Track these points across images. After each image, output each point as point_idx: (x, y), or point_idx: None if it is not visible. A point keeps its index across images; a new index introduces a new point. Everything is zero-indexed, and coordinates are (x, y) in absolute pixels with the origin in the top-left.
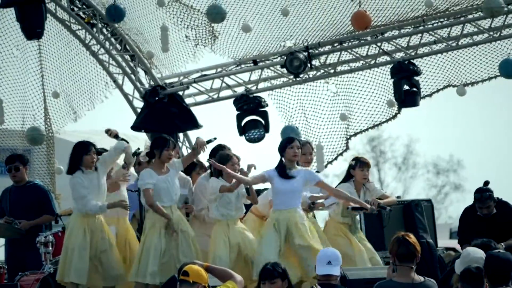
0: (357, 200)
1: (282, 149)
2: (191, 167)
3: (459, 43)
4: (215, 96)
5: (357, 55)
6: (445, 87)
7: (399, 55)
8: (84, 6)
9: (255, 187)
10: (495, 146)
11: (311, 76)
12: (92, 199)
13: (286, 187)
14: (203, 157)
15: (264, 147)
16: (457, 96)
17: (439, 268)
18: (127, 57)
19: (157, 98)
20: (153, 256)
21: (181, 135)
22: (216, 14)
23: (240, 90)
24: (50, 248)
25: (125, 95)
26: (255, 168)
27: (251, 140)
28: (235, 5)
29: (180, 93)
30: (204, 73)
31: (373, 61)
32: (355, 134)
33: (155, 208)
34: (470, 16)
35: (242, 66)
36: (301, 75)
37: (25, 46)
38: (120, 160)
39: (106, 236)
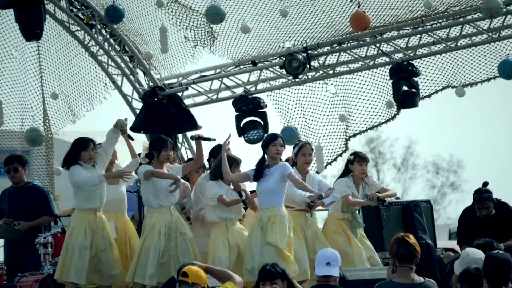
0: (311, 189)
1: (265, 146)
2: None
3: (458, 44)
4: (214, 97)
5: (356, 56)
6: (444, 88)
7: (398, 56)
8: (83, 7)
9: (252, 185)
10: (494, 147)
11: (310, 77)
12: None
13: (264, 186)
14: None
15: None
16: (456, 97)
17: (438, 269)
18: (126, 58)
19: (156, 99)
20: (152, 257)
21: (180, 136)
22: (215, 15)
23: (239, 91)
24: (50, 249)
25: (124, 96)
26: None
27: (250, 141)
28: (234, 6)
29: (179, 94)
30: (203, 74)
31: (372, 62)
32: (354, 135)
33: (156, 174)
34: (469, 17)
35: (241, 67)
36: (300, 76)
37: (24, 47)
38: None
39: (106, 234)
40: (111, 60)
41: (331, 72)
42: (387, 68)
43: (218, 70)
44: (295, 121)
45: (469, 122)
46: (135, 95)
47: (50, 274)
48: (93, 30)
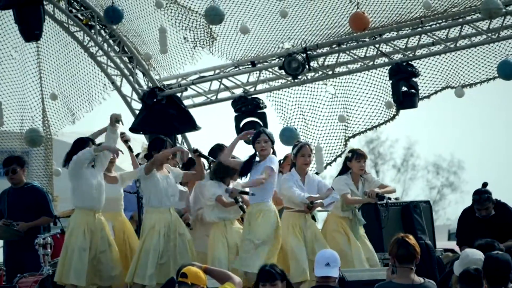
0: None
1: (252, 144)
2: (190, 165)
3: (457, 45)
4: (213, 98)
5: (355, 57)
6: (443, 88)
7: (397, 57)
8: (82, 8)
9: None
10: (494, 147)
11: (309, 77)
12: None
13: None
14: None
15: None
16: (455, 97)
17: (438, 270)
18: (125, 58)
19: (155, 100)
20: (152, 257)
21: (179, 136)
22: (214, 16)
23: (238, 91)
24: (49, 250)
25: (123, 97)
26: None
27: (250, 142)
28: (233, 6)
29: (178, 94)
30: (202, 74)
31: (371, 63)
32: (354, 136)
33: (155, 159)
34: (468, 18)
35: (240, 67)
36: (300, 77)
37: (23, 48)
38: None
39: (105, 235)
40: (110, 61)
41: (330, 72)
42: (386, 69)
43: (217, 71)
44: (294, 122)
45: (468, 122)
46: (134, 96)
47: (49, 275)
48: (93, 31)
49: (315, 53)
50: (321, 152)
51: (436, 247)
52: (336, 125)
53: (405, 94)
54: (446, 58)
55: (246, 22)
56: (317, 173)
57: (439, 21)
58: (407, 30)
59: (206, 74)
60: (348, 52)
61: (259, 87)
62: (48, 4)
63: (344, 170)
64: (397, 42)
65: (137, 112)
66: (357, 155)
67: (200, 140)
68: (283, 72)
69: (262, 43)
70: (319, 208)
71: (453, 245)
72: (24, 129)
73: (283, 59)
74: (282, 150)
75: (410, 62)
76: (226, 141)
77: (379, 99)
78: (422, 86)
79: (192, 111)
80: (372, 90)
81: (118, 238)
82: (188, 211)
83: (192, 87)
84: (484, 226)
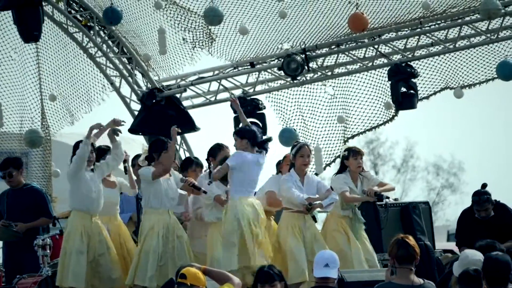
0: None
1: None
2: (188, 164)
3: (457, 45)
4: (213, 99)
5: (355, 57)
6: (442, 89)
7: (396, 57)
8: (81, 9)
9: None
10: (493, 148)
11: (308, 78)
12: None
13: None
14: (202, 157)
15: None
16: (454, 98)
17: (437, 271)
18: (124, 59)
19: (154, 101)
20: (152, 259)
21: (178, 137)
22: (213, 17)
23: (238, 92)
24: (48, 251)
25: (122, 98)
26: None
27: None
28: (232, 7)
29: (178, 95)
30: (201, 75)
31: (370, 63)
32: (353, 136)
33: (169, 164)
34: (467, 18)
35: (240, 68)
36: (299, 78)
37: (22, 49)
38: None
39: (103, 238)
40: (109, 62)
41: (329, 73)
42: (386, 70)
43: (216, 72)
44: (293, 123)
45: (467, 123)
46: (133, 97)
47: (48, 276)
48: (91, 32)
49: (314, 54)
50: (320, 153)
51: (435, 248)
52: (335, 126)
53: (404, 95)
54: (445, 59)
55: (245, 23)
56: (316, 174)
57: (438, 22)
58: (406, 30)
59: (205, 75)
60: (347, 53)
61: (258, 88)
62: (47, 5)
63: (342, 169)
64: (396, 43)
65: (136, 113)
66: (353, 153)
67: (199, 141)
68: (282, 73)
69: (261, 44)
70: (319, 209)
71: (452, 246)
72: (24, 130)
73: (282, 60)
74: (282, 150)
75: (409, 63)
76: (226, 142)
77: (378, 100)
78: (421, 87)
79: (191, 112)
80: (371, 91)
81: (114, 242)
82: (187, 216)
83: (191, 88)
84: (483, 227)
